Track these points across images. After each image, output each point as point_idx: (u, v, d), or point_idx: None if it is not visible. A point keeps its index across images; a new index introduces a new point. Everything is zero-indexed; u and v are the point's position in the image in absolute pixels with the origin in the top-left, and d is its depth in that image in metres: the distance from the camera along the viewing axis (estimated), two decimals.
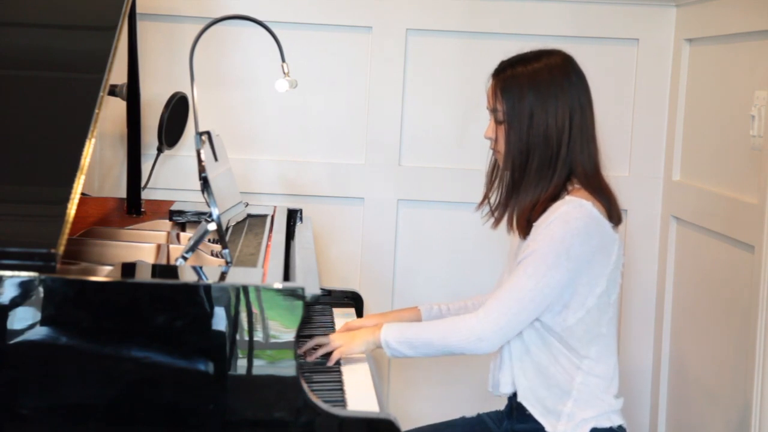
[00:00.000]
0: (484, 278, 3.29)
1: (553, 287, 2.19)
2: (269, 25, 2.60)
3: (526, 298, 2.19)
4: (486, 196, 2.39)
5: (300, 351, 2.28)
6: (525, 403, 2.29)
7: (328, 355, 2.29)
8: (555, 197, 2.25)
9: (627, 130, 3.34)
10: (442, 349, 2.25)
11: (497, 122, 2.30)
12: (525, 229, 2.27)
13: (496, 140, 2.32)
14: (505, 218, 2.33)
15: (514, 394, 2.32)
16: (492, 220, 2.37)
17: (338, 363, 2.28)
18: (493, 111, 2.31)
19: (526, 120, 2.25)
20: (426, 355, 2.28)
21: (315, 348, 2.31)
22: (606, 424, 2.27)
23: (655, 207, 3.32)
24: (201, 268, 2.19)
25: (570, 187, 2.27)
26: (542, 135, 2.25)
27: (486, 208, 2.39)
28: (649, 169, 3.32)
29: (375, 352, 2.33)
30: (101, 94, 2.18)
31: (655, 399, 3.29)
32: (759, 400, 2.53)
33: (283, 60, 2.62)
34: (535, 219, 2.24)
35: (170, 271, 2.19)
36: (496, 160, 2.37)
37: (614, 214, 2.27)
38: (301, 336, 2.21)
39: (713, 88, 3.01)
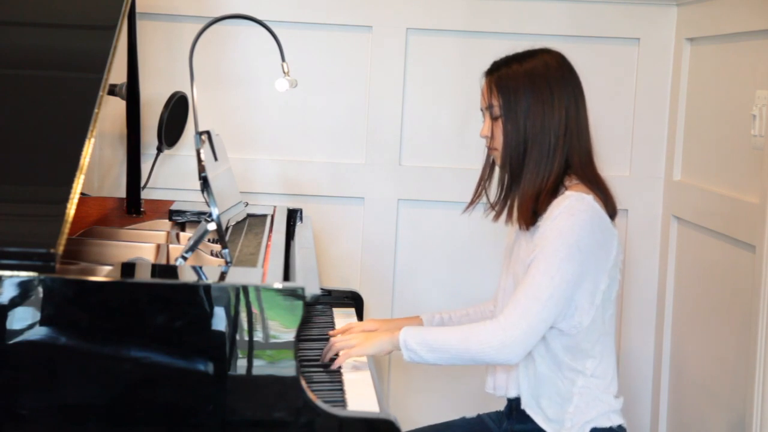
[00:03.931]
0: (484, 278, 3.29)
1: (568, 281, 2.17)
2: (269, 24, 2.60)
3: (545, 295, 2.16)
4: (475, 197, 2.39)
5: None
6: (528, 411, 2.28)
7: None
8: (555, 191, 2.25)
9: (628, 130, 3.33)
10: (461, 354, 2.17)
11: (493, 118, 2.30)
12: (530, 220, 2.25)
13: (492, 138, 2.32)
14: (505, 211, 2.33)
15: (515, 397, 2.31)
16: (492, 213, 2.37)
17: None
18: (489, 108, 2.31)
19: (522, 112, 2.26)
20: (445, 362, 2.21)
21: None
22: (606, 424, 2.26)
23: (656, 207, 3.31)
24: (201, 267, 2.19)
25: (567, 182, 2.27)
26: (539, 126, 2.25)
27: (480, 206, 2.39)
28: (649, 169, 3.32)
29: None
30: (101, 93, 2.17)
31: (655, 399, 3.29)
32: (760, 400, 2.52)
33: (283, 59, 2.62)
34: (542, 211, 2.23)
35: (170, 270, 2.18)
36: (491, 159, 2.37)
37: (610, 205, 2.28)
38: (301, 337, 2.20)
39: (714, 88, 3.00)
